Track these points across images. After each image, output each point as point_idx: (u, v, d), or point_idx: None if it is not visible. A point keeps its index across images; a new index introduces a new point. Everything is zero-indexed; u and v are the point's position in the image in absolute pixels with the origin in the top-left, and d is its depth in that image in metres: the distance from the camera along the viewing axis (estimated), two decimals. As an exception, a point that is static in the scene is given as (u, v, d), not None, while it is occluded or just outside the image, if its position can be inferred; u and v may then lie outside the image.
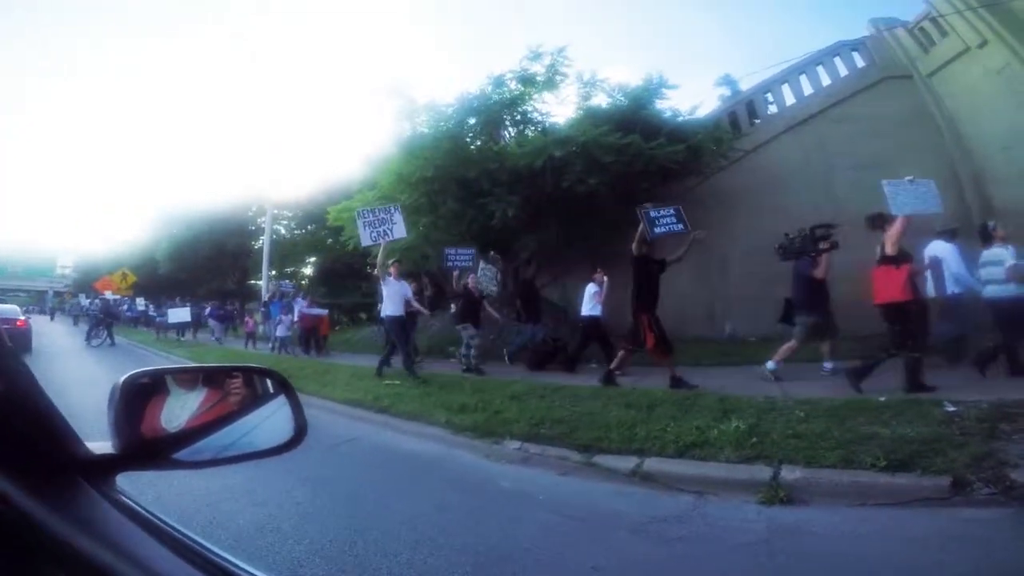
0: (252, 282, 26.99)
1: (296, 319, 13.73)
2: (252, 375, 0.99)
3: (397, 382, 7.52)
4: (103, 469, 0.76)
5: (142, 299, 24.97)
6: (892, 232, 5.54)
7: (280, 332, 13.89)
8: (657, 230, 6.48)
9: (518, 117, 11.51)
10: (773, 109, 12.86)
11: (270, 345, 14.74)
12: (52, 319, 31.64)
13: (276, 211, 24.25)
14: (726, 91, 16.07)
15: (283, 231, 24.63)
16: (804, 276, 6.50)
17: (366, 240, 8.35)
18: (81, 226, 77.36)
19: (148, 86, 65.42)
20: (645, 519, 3.23)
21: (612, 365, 6.95)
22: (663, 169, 10.11)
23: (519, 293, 9.84)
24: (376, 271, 8.24)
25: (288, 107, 43.06)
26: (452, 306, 9.59)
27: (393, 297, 8.11)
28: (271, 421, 0.96)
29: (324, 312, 14.56)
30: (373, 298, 20.75)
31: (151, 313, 23.30)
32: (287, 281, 17.08)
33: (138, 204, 44.02)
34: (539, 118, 11.72)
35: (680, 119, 11.58)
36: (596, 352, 8.46)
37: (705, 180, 11.16)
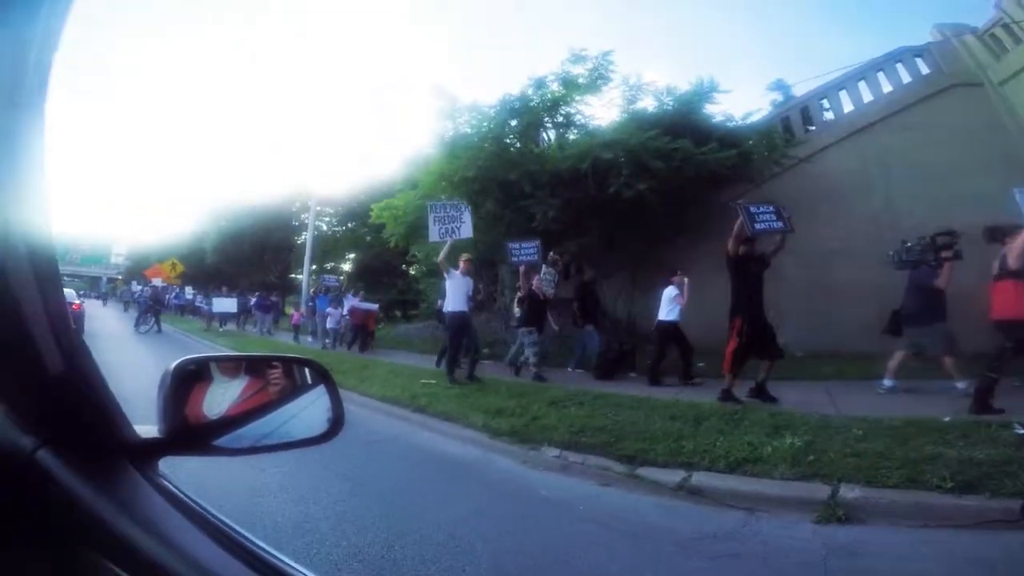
0: (293, 276, 27.76)
1: (346, 313, 13.52)
2: (292, 365, 0.99)
3: (433, 381, 7.48)
4: (148, 453, 0.77)
5: (190, 288, 25.78)
6: (1017, 244, 5.10)
7: (330, 324, 13.67)
8: (757, 227, 6.01)
9: (560, 119, 11.35)
10: (829, 116, 12.35)
11: (315, 338, 14.65)
12: (105, 304, 33.14)
13: (319, 207, 24.97)
14: (778, 96, 15.52)
15: (325, 227, 25.20)
16: (923, 286, 6.10)
17: (434, 236, 8.09)
18: (135, 218, 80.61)
19: (201, 84, 68.23)
20: (695, 534, 3.10)
21: (728, 383, 5.99)
22: (713, 175, 9.80)
23: (577, 296, 9.28)
24: (439, 262, 7.84)
25: (333, 106, 44.02)
26: (516, 309, 9.02)
27: (457, 292, 7.78)
28: (309, 411, 0.96)
29: (374, 307, 14.35)
30: (409, 295, 21.03)
31: (198, 302, 23.71)
32: (332, 276, 16.75)
33: (189, 198, 45.94)
34: (582, 121, 11.53)
35: (731, 124, 11.23)
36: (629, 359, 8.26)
37: (756, 187, 10.76)
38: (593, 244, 10.63)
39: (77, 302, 16.52)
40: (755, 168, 10.52)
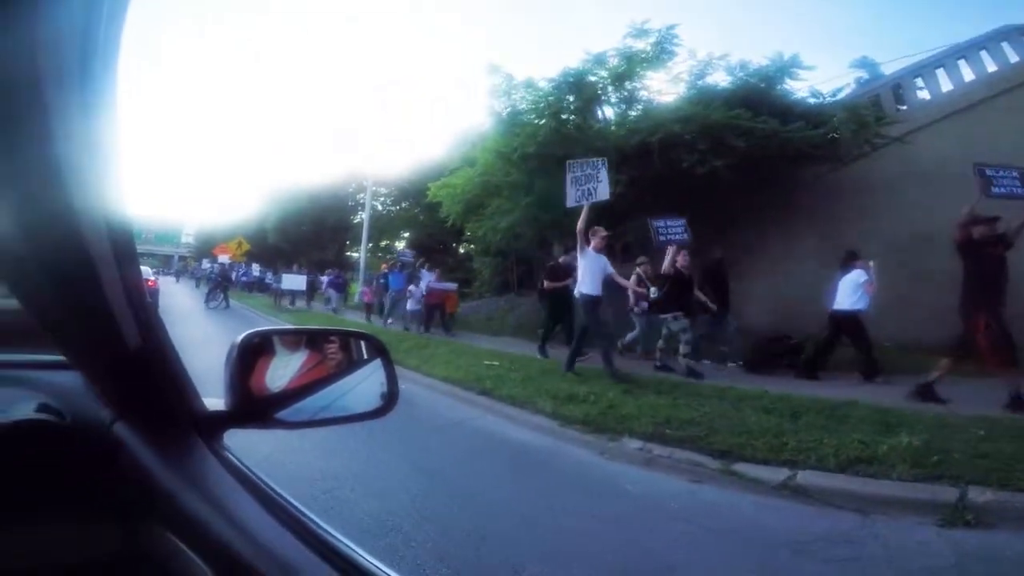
0: (349, 254, 28.44)
1: (424, 293, 12.38)
2: (350, 339, 1.00)
3: (496, 363, 7.35)
4: (215, 425, 0.78)
5: (257, 265, 26.08)
6: None
7: (410, 306, 12.27)
8: (995, 190, 5.27)
9: (624, 95, 10.82)
10: (924, 95, 11.28)
11: (389, 318, 13.51)
12: (177, 281, 34.95)
13: (374, 188, 25.38)
14: (862, 74, 14.27)
15: (379, 207, 25.57)
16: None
17: (571, 201, 7.15)
18: (203, 200, 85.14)
19: (263, 69, 70.22)
20: (806, 536, 2.86)
21: (931, 378, 5.39)
22: (796, 153, 9.12)
23: (708, 278, 8.22)
24: (579, 232, 6.66)
25: (387, 87, 44.41)
26: (652, 290, 7.86)
27: (592, 271, 6.68)
28: (364, 386, 0.97)
29: (453, 287, 13.01)
30: (459, 273, 21.06)
31: (268, 280, 23.70)
32: (407, 250, 14.52)
33: (252, 181, 47.77)
34: (646, 96, 10.96)
35: (813, 101, 10.38)
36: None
37: (840, 168, 9.95)
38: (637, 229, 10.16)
39: (152, 279, 17.18)
40: (842, 147, 9.69)
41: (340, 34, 61.81)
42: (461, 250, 23.64)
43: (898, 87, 11.66)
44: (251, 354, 0.82)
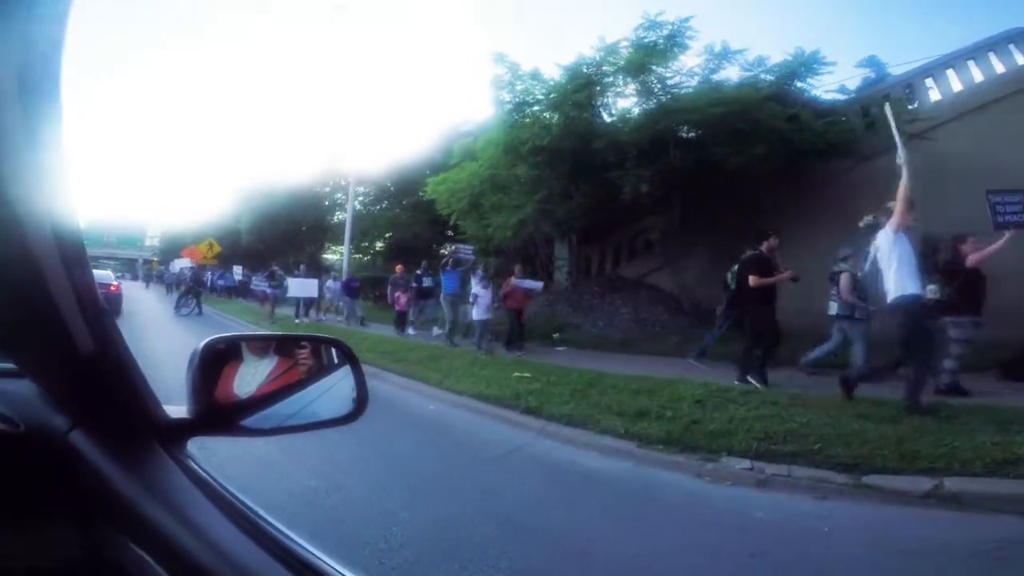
0: (327, 256, 27.27)
1: (501, 296, 9.70)
2: (320, 345, 0.99)
3: (528, 374, 6.66)
4: (177, 433, 0.77)
5: (240, 268, 23.55)
6: None
7: (478, 314, 9.36)
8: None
9: (642, 86, 10.25)
10: (934, 96, 11.17)
11: (438, 331, 11.03)
12: (148, 287, 32.59)
13: (358, 187, 24.37)
14: (869, 73, 14.09)
15: (359, 206, 24.53)
16: None
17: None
18: (166, 201, 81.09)
19: (230, 63, 67.29)
20: (986, 544, 2.68)
21: None
22: (825, 147, 8.78)
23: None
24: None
25: (366, 80, 43.04)
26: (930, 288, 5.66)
27: (909, 263, 4.75)
28: (334, 392, 0.95)
29: (539, 285, 10.27)
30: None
31: (255, 284, 19.83)
32: (466, 246, 11.19)
33: (221, 179, 45.61)
34: (660, 88, 10.42)
35: (830, 98, 10.10)
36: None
37: (859, 164, 9.64)
38: (675, 222, 9.68)
39: (115, 283, 16.04)
40: (865, 142, 9.35)
41: (315, 24, 59.49)
42: (444, 251, 22.87)
43: (909, 87, 11.54)
44: (216, 360, 0.79)
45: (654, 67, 9.67)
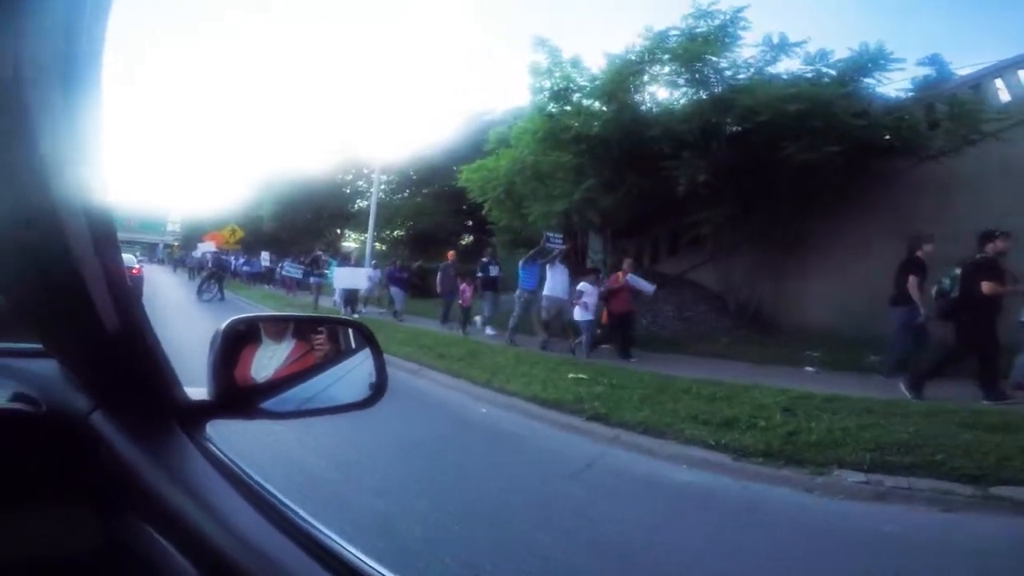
0: (346, 244, 27.02)
1: (602, 291, 8.11)
2: (338, 327, 0.98)
3: (583, 376, 6.25)
4: (197, 415, 0.76)
5: (267, 253, 22.29)
6: None
7: (580, 315, 7.96)
8: None
9: (695, 76, 9.69)
10: (1005, 97, 10.49)
11: (491, 330, 9.92)
12: (175, 271, 32.31)
13: (375, 175, 24.04)
14: (930, 71, 13.35)
15: (382, 194, 24.25)
16: None
17: None
18: (189, 186, 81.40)
19: (254, 50, 67.07)
20: None
21: None
22: (884, 146, 8.34)
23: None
24: None
25: (389, 69, 42.66)
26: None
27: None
28: (352, 376, 0.93)
29: (651, 288, 8.55)
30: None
31: (288, 271, 18.27)
32: (556, 234, 9.26)
33: (243, 166, 45.51)
34: (717, 79, 9.85)
35: (893, 95, 9.47)
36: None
37: (922, 163, 9.04)
38: (727, 215, 9.16)
39: (137, 267, 16.23)
40: (924, 142, 8.73)
41: (337, 13, 59.01)
42: (463, 241, 22.51)
43: (976, 86, 10.85)
44: (236, 341, 0.78)
45: (712, 57, 9.11)
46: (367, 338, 0.96)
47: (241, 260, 23.46)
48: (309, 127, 44.28)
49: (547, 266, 8.70)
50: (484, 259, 10.72)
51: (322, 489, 3.18)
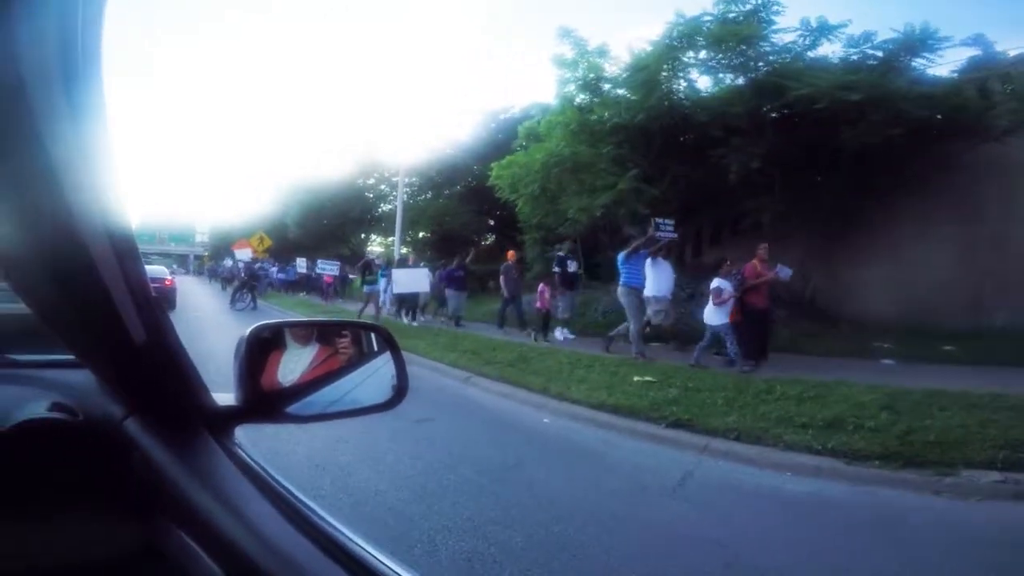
0: (370, 249, 26.96)
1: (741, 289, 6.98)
2: (360, 331, 0.99)
3: (649, 378, 5.91)
4: (224, 421, 0.77)
5: (303, 260, 21.28)
6: None
7: (716, 316, 6.85)
8: None
9: (739, 61, 9.24)
10: None
11: (566, 334, 9.10)
12: (210, 281, 32.50)
13: (396, 178, 23.92)
14: (976, 52, 12.70)
15: (405, 197, 24.13)
16: None
17: None
18: (215, 197, 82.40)
19: (273, 58, 67.46)
20: None
21: None
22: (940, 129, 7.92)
23: None
24: None
25: (406, 69, 42.57)
26: None
27: None
28: (375, 378, 0.94)
29: (789, 272, 7.40)
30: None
31: (322, 267, 18.05)
32: (667, 221, 8.15)
33: (267, 174, 46.08)
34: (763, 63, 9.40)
35: (943, 79, 8.88)
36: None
37: (979, 145, 8.49)
38: (777, 204, 8.71)
39: (169, 278, 16.37)
40: (981, 124, 8.19)
41: (356, 17, 58.82)
42: (484, 241, 22.23)
43: None
44: (260, 347, 0.80)
45: (758, 40, 8.68)
46: (387, 341, 0.97)
47: (275, 268, 23.11)
48: (330, 131, 44.44)
49: (648, 260, 7.52)
50: (560, 254, 9.46)
51: (400, 522, 2.86)
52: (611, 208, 9.12)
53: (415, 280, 11.46)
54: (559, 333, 9.22)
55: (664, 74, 9.03)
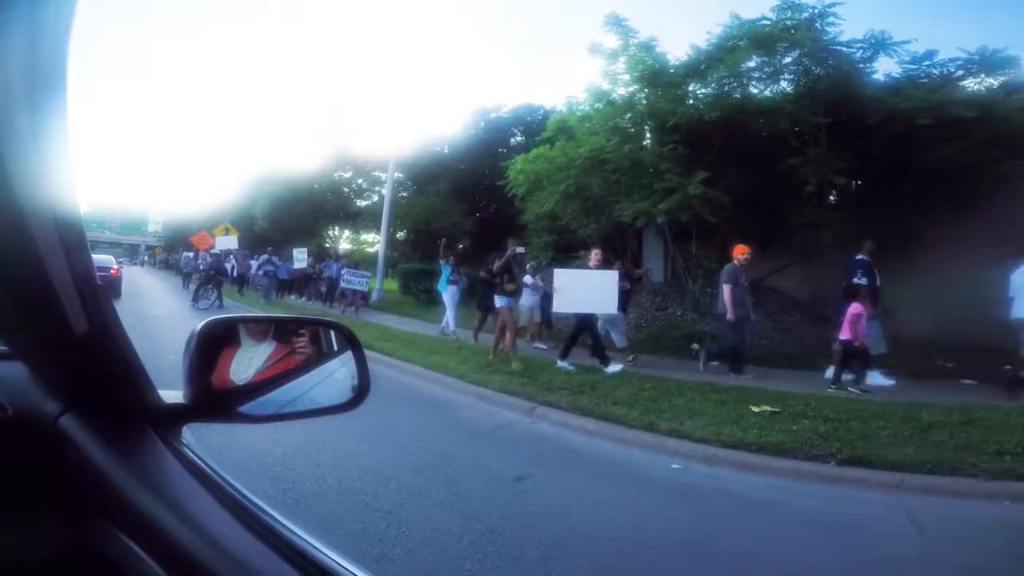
0: (347, 246, 25.52)
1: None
2: (319, 329, 0.93)
3: (769, 408, 5.19)
4: (171, 419, 0.74)
5: (301, 251, 17.22)
6: None
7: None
8: None
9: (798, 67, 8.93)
10: None
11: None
12: (162, 272, 30.56)
13: (376, 173, 22.75)
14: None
15: (384, 193, 22.98)
16: None
17: None
18: (172, 186, 75.85)
19: (244, 45, 63.08)
20: None
21: None
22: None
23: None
24: None
25: (390, 62, 41.04)
26: None
27: None
28: (334, 378, 0.90)
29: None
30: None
31: (349, 281, 13.56)
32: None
33: (233, 163, 43.25)
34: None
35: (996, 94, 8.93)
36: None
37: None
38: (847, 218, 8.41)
39: (115, 267, 15.96)
40: None
41: (335, 8, 55.63)
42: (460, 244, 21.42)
43: None
44: (213, 343, 0.76)
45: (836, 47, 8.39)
46: (349, 339, 0.92)
47: (260, 259, 17.47)
48: (303, 123, 41.97)
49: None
50: (861, 256, 6.90)
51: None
52: (680, 210, 8.48)
53: (592, 289, 6.96)
54: (874, 376, 6.39)
55: (732, 75, 8.60)
